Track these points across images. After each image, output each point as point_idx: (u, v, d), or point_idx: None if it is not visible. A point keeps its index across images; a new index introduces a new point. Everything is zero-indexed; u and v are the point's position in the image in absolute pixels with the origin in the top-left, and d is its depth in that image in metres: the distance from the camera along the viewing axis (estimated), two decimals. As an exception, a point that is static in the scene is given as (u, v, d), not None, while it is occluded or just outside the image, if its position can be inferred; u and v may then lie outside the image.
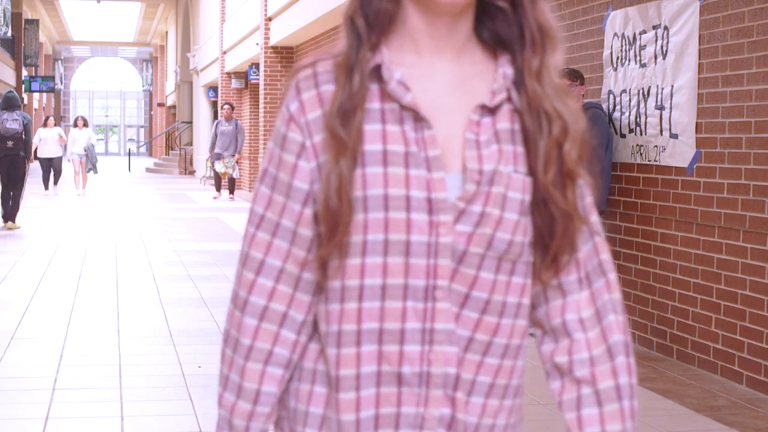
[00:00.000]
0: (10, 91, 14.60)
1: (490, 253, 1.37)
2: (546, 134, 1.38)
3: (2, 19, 32.21)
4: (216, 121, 21.34)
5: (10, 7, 33.64)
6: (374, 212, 1.35)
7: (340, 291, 1.38)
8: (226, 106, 21.20)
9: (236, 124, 20.88)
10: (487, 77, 1.42)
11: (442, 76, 1.41)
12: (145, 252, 11.99)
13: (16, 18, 35.50)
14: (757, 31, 5.78)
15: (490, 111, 1.40)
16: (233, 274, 1.48)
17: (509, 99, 1.41)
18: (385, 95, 1.38)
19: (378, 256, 1.35)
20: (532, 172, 1.40)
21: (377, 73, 1.39)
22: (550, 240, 1.40)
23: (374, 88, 1.39)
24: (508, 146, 1.39)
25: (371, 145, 1.36)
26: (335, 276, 1.38)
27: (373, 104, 1.38)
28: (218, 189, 21.22)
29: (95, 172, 23.44)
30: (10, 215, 14.35)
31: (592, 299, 1.46)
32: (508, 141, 1.40)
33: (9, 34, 33.53)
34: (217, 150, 20.84)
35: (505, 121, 1.40)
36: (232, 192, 21.39)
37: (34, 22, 40.30)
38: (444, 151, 1.37)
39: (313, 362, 1.44)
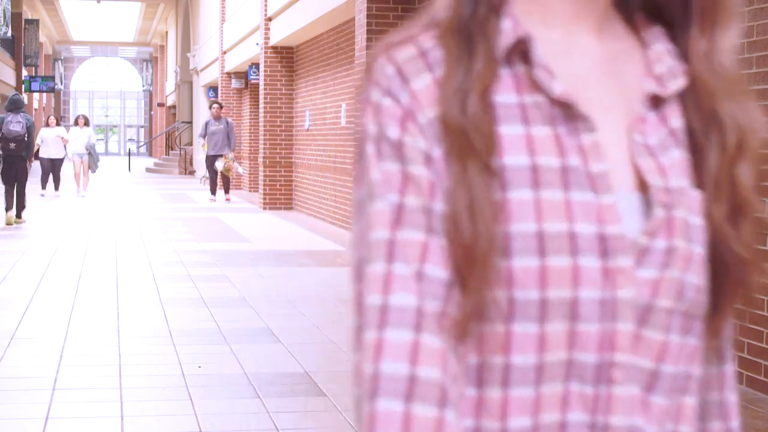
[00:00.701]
0: (16, 94, 15.72)
1: (679, 306, 0.97)
2: (717, 148, 0.99)
3: (2, 19, 32.21)
4: (206, 122, 21.13)
5: (10, 7, 33.64)
6: (524, 258, 0.92)
7: (478, 370, 0.95)
8: (215, 106, 21.02)
9: (227, 122, 20.54)
10: (636, 57, 1.02)
11: (586, 56, 1.00)
12: (145, 252, 11.99)
13: (16, 18, 35.49)
14: (757, 31, 5.79)
15: (655, 103, 1.00)
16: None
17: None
18: (523, 83, 0.96)
19: (531, 323, 0.93)
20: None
21: (510, 50, 0.97)
22: (720, 291, 1.01)
23: (504, 72, 0.97)
24: (684, 152, 1.00)
25: (513, 157, 0.94)
26: (469, 349, 0.95)
27: (507, 96, 0.96)
28: (213, 192, 21.13)
29: (93, 171, 23.42)
30: (17, 211, 15.24)
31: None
32: (682, 144, 1.00)
33: (9, 34, 33.53)
34: (210, 152, 20.59)
35: (676, 117, 1.00)
36: (227, 191, 21.12)
37: (34, 22, 40.30)
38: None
39: None
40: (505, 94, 0.95)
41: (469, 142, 0.92)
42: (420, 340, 0.90)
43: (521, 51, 0.97)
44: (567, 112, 0.95)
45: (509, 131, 0.94)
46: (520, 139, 0.94)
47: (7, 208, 15.21)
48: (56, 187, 22.38)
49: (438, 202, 0.93)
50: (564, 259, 0.93)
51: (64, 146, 22.17)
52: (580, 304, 0.93)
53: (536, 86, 0.96)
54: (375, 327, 0.91)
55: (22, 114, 14.99)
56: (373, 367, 0.90)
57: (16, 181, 15.02)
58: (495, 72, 0.95)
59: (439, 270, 0.92)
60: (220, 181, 21.27)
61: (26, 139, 14.93)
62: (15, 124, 14.76)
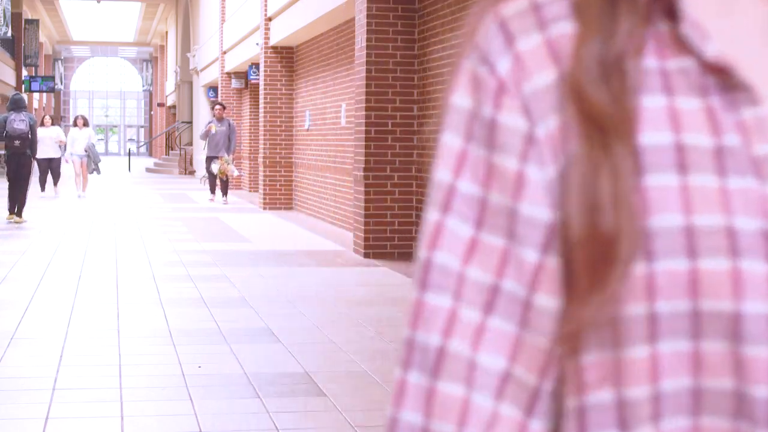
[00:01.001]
0: (17, 93, 16.61)
1: None
2: None
3: (2, 19, 32.23)
4: (208, 122, 21.11)
5: (10, 7, 33.66)
6: (667, 260, 0.72)
7: (614, 409, 0.74)
8: (217, 107, 20.99)
9: (229, 124, 20.51)
10: None
11: (745, 18, 0.79)
12: (145, 252, 12.00)
13: (16, 18, 35.52)
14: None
15: None
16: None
17: None
18: (666, 45, 0.76)
19: (680, 340, 0.73)
20: None
21: (652, 1, 0.77)
22: None
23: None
24: None
25: (653, 134, 0.74)
26: (601, 382, 0.75)
27: (647, 60, 0.76)
28: (212, 191, 21.13)
29: (98, 172, 23.41)
30: (18, 210, 15.52)
31: None
32: None
33: (9, 34, 33.55)
34: (208, 153, 20.59)
35: None
36: (225, 193, 21.05)
37: (34, 22, 40.32)
38: None
39: None
40: (645, 58, 0.76)
41: (611, 120, 0.74)
42: (437, 388, 0.77)
43: (665, 5, 0.78)
44: (723, 81, 0.75)
45: (648, 103, 0.75)
46: (661, 113, 0.74)
47: (10, 210, 15.49)
48: (55, 183, 22.44)
49: (528, 204, 0.75)
50: (720, 262, 0.72)
51: (62, 147, 22.22)
52: (743, 319, 0.72)
53: (683, 48, 0.76)
54: (402, 364, 0.79)
55: (24, 112, 15.46)
56: (393, 411, 0.79)
57: (20, 180, 15.31)
58: (644, 33, 0.76)
59: (517, 287, 0.75)
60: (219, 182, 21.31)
61: (30, 136, 15.37)
62: (19, 123, 15.24)
